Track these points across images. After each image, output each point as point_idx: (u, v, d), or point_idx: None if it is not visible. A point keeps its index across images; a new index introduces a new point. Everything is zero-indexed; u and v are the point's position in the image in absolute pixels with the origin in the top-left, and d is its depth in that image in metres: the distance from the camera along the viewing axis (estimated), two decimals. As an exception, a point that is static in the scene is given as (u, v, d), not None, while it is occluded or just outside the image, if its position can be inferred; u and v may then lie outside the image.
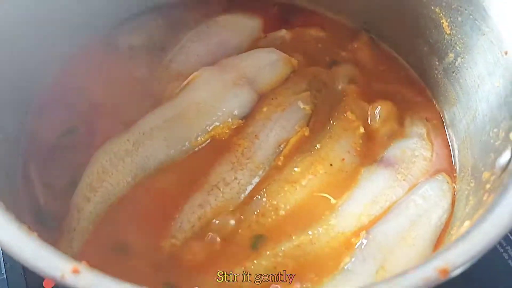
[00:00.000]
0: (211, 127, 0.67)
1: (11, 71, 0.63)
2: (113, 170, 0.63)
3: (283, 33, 0.80)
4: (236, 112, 0.69)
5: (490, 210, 0.44)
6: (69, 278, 0.38)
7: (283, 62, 0.76)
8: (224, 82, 0.71)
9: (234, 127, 0.68)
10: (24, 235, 0.41)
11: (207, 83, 0.70)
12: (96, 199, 0.61)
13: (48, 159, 0.66)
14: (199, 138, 0.67)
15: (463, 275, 0.52)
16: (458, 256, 0.40)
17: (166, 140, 0.66)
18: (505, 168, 0.51)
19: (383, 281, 0.39)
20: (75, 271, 0.38)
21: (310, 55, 0.78)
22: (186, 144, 0.66)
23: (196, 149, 0.67)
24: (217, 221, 0.61)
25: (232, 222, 0.61)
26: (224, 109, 0.68)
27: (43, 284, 0.68)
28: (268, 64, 0.75)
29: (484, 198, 0.52)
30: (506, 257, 0.73)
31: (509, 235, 0.73)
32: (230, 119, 0.68)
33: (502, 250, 0.74)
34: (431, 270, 0.39)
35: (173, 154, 0.66)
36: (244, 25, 0.81)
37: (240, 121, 0.69)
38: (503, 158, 0.53)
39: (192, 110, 0.68)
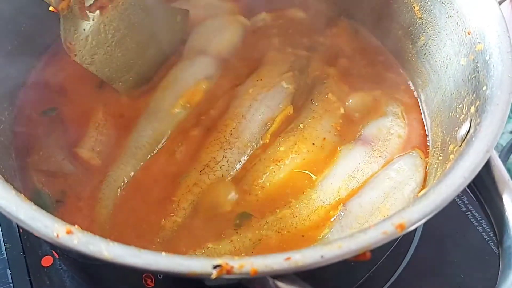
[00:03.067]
0: (180, 93, 0.74)
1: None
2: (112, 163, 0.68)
3: (264, 15, 0.85)
4: (198, 78, 0.76)
5: (445, 174, 0.48)
6: (63, 238, 0.42)
7: (228, 23, 0.82)
8: (181, 62, 0.78)
9: (205, 88, 0.74)
10: (21, 200, 0.45)
11: (175, 66, 0.78)
12: (104, 186, 0.66)
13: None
14: (173, 106, 0.73)
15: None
16: (413, 213, 0.45)
17: (146, 118, 0.72)
18: (464, 138, 0.55)
19: (348, 235, 0.43)
20: (69, 232, 0.43)
21: (291, 37, 0.83)
22: (165, 114, 0.72)
23: (176, 115, 0.72)
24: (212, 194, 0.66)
25: (233, 194, 0.66)
26: (185, 79, 0.75)
27: (41, 263, 0.72)
28: (214, 30, 0.81)
29: (447, 167, 0.57)
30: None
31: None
32: (195, 83, 0.75)
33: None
34: (389, 225, 0.43)
35: (158, 125, 0.71)
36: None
37: (207, 81, 0.75)
38: (463, 129, 0.57)
39: (160, 89, 0.75)
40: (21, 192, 0.47)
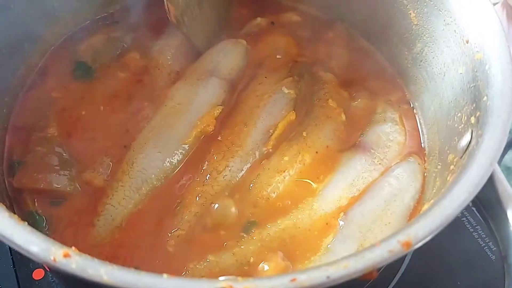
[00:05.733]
0: (194, 122, 0.70)
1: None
2: (112, 191, 0.65)
3: (259, 20, 0.84)
4: (212, 102, 0.73)
5: (450, 188, 0.48)
6: (60, 261, 0.41)
7: (233, 46, 0.80)
8: (190, 82, 0.74)
9: (217, 115, 0.71)
10: (16, 223, 0.43)
11: (177, 89, 0.74)
12: (99, 223, 0.63)
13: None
14: (187, 136, 0.69)
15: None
16: (419, 230, 0.44)
17: (156, 147, 0.68)
18: (465, 149, 0.55)
19: (353, 254, 0.43)
20: (66, 255, 0.41)
21: (287, 42, 0.82)
22: (177, 145, 0.68)
23: (188, 148, 0.69)
24: (216, 206, 0.64)
25: (233, 209, 0.64)
26: (199, 103, 0.72)
27: (33, 276, 0.70)
28: (220, 53, 0.79)
29: (448, 178, 0.56)
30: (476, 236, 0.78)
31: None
32: (209, 110, 0.71)
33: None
34: (395, 243, 0.43)
35: (168, 158, 0.67)
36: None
37: (220, 106, 0.72)
38: (464, 140, 0.57)
39: (172, 114, 0.71)
40: (14, 212, 0.45)
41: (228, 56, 0.79)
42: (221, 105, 0.72)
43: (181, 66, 0.78)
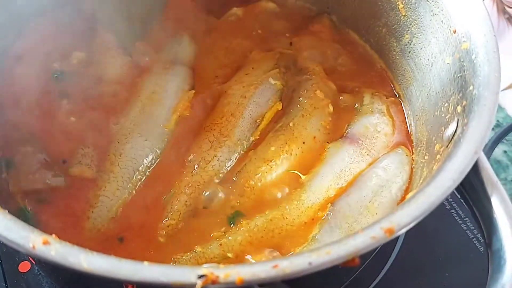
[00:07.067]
0: (173, 107, 0.71)
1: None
2: (105, 183, 0.65)
3: (235, 10, 0.84)
4: (184, 87, 0.74)
5: (434, 176, 0.48)
6: (39, 249, 0.40)
7: (187, 36, 0.80)
8: (158, 72, 0.75)
9: (191, 98, 0.72)
10: (-6, 210, 0.43)
11: (147, 80, 0.75)
12: (94, 215, 0.63)
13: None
14: (169, 121, 0.70)
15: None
16: (402, 217, 0.44)
17: (142, 136, 0.68)
18: (451, 138, 0.55)
19: (336, 241, 0.42)
20: (45, 243, 0.41)
21: (270, 32, 0.83)
22: (161, 130, 0.69)
23: (171, 133, 0.69)
24: (207, 193, 0.65)
25: (220, 194, 0.65)
26: (173, 89, 0.73)
27: (19, 268, 0.70)
28: (176, 42, 0.79)
29: (434, 168, 0.56)
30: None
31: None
32: (183, 95, 0.73)
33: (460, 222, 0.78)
34: (378, 230, 0.43)
35: (157, 144, 0.68)
36: None
37: (192, 91, 0.73)
38: (450, 129, 0.57)
39: (149, 103, 0.72)
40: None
41: (185, 46, 0.79)
42: (192, 89, 0.74)
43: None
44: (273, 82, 0.74)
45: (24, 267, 0.70)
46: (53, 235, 0.42)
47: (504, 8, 1.04)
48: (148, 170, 0.67)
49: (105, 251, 0.53)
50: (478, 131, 0.50)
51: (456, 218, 0.79)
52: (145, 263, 0.41)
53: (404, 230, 0.43)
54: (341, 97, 0.75)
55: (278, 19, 0.84)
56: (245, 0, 0.85)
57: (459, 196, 0.74)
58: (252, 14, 0.84)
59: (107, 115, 0.70)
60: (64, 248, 0.40)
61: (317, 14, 0.85)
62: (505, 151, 0.93)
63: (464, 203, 0.72)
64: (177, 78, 0.75)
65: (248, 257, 0.60)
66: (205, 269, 0.40)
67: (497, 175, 0.54)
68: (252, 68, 0.76)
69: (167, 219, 0.63)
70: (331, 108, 0.73)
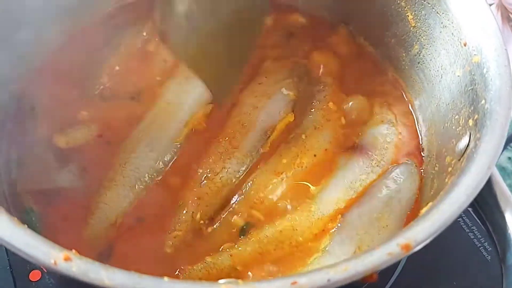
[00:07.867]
0: (186, 121, 0.71)
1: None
2: (105, 190, 0.65)
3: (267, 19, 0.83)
4: (202, 100, 0.73)
5: (448, 191, 0.48)
6: (61, 265, 0.40)
7: None
8: (179, 81, 0.74)
9: (208, 112, 0.72)
10: (15, 226, 0.43)
11: (167, 88, 0.74)
12: (93, 222, 0.63)
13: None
14: (179, 135, 0.70)
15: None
16: (418, 233, 0.44)
17: (148, 146, 0.68)
18: (463, 152, 0.55)
19: (353, 257, 0.43)
20: (67, 259, 0.41)
21: (290, 44, 0.82)
22: (169, 144, 0.69)
23: (180, 146, 0.69)
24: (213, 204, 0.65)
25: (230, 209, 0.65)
26: (190, 102, 0.72)
27: (29, 277, 0.69)
28: None
29: (446, 180, 0.57)
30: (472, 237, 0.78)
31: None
32: (200, 108, 0.72)
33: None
34: (394, 246, 0.43)
35: (161, 157, 0.68)
36: None
37: (210, 104, 0.73)
38: (462, 143, 0.57)
39: (162, 114, 0.71)
40: (11, 214, 0.45)
41: None
42: (211, 102, 0.73)
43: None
44: (285, 92, 0.74)
45: (35, 276, 0.70)
46: (73, 251, 0.42)
47: (509, 15, 1.05)
48: (153, 180, 0.66)
49: (105, 260, 0.54)
50: (491, 146, 0.50)
51: (464, 226, 0.79)
52: (165, 278, 0.41)
53: (420, 247, 0.44)
54: (351, 107, 0.75)
55: (298, 30, 0.84)
56: (277, 8, 0.84)
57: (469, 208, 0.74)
58: (280, 25, 0.83)
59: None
60: (85, 265, 0.41)
61: (334, 24, 0.84)
62: (509, 158, 0.94)
63: (472, 213, 0.72)
64: (195, 90, 0.73)
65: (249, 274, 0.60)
66: (223, 285, 0.40)
67: (503, 181, 0.54)
68: (265, 77, 0.76)
69: (174, 230, 0.63)
70: (343, 121, 0.73)
